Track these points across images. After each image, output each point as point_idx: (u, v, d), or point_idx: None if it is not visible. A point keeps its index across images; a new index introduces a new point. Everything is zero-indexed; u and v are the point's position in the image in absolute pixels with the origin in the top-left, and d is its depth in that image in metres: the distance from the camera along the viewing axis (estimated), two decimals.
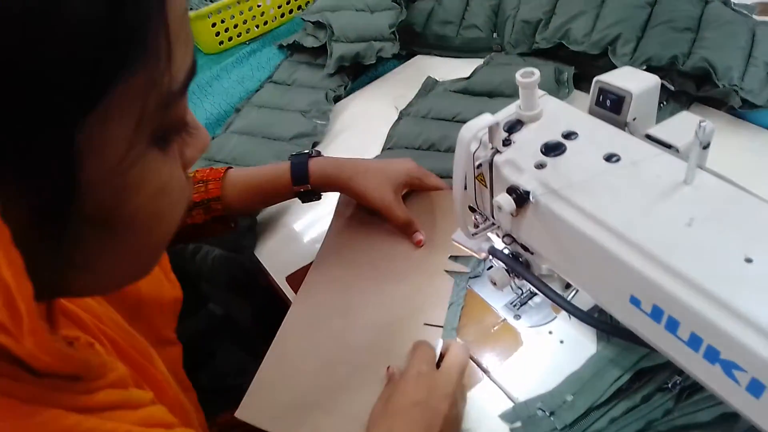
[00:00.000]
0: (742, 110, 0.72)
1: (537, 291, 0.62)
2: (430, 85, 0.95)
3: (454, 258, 0.67)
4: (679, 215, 0.37)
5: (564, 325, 0.61)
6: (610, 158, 0.42)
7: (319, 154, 0.74)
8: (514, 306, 0.64)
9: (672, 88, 0.78)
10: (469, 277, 0.66)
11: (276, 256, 0.78)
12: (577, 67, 0.86)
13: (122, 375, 0.39)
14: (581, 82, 0.86)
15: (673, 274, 0.35)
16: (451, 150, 0.80)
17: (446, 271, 0.67)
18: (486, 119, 0.42)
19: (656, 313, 0.37)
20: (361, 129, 0.93)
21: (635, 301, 0.38)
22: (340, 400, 0.58)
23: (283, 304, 0.73)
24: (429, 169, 0.77)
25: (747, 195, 0.38)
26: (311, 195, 0.73)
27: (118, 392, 0.38)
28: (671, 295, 0.35)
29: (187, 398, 0.55)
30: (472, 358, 0.61)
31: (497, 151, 0.45)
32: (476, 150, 0.47)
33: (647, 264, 0.36)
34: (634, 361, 0.54)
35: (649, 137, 0.43)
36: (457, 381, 0.54)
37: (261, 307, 0.84)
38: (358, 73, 1.04)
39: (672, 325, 0.36)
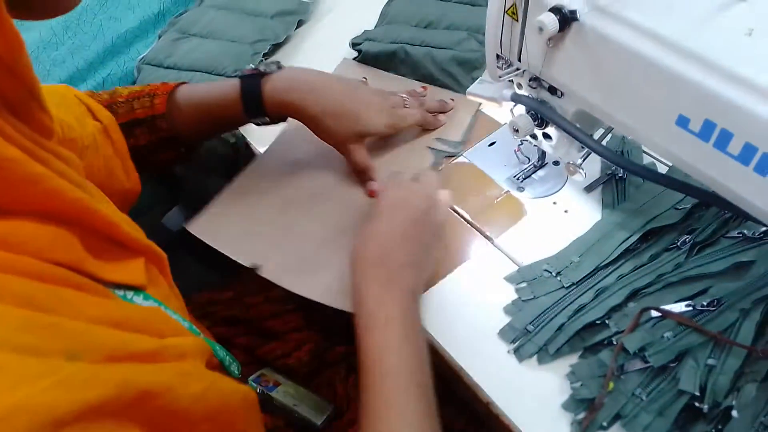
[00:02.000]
0: None
1: (542, 160, 0.60)
2: None
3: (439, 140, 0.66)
4: (738, 27, 0.35)
5: (568, 195, 0.60)
6: None
7: (278, 66, 0.61)
8: (517, 179, 0.62)
9: None
10: (447, 156, 0.66)
11: (264, 131, 0.73)
12: None
13: (77, 161, 0.35)
14: None
15: (733, 81, 0.33)
16: (451, 28, 0.76)
17: (429, 148, 0.66)
18: None
19: (706, 130, 0.36)
20: (350, 8, 0.87)
21: (683, 122, 0.37)
22: (291, 239, 0.60)
23: None
24: (430, 45, 0.73)
25: None
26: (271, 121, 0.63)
27: (70, 169, 0.33)
28: (729, 102, 0.33)
29: None
30: (475, 227, 0.59)
31: None
32: None
33: (705, 74, 0.35)
34: (642, 224, 0.54)
35: None
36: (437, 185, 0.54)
37: None
38: None
39: (723, 140, 0.35)
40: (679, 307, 0.46)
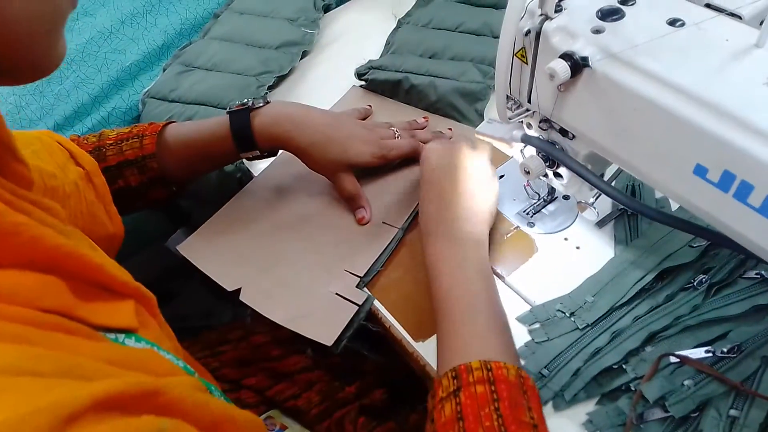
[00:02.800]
0: None
1: (551, 195, 0.60)
2: None
3: None
4: (755, 75, 0.35)
5: (580, 231, 0.59)
6: (673, 23, 0.39)
7: (265, 101, 0.62)
8: (527, 214, 0.61)
9: None
10: None
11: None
12: None
13: (59, 210, 0.35)
14: None
15: (752, 132, 0.33)
16: (456, 58, 0.76)
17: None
18: None
19: (725, 181, 0.35)
20: (354, 38, 0.87)
21: (701, 171, 0.36)
22: (276, 264, 0.61)
23: None
24: (434, 75, 0.72)
25: None
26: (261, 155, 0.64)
27: (51, 218, 0.33)
28: (749, 154, 0.33)
29: None
30: None
31: (547, 18, 0.41)
32: (521, 18, 0.42)
33: (722, 124, 0.34)
34: (657, 262, 0.53)
35: (709, 6, 0.40)
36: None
37: None
38: None
39: (743, 192, 0.34)
40: (698, 353, 0.45)
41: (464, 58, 0.75)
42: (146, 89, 0.83)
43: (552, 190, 0.61)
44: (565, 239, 0.59)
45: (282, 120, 0.61)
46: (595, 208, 0.51)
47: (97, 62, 0.85)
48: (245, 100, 0.62)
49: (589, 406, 0.47)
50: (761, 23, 0.36)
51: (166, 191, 0.64)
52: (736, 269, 0.50)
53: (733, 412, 0.41)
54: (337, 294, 0.57)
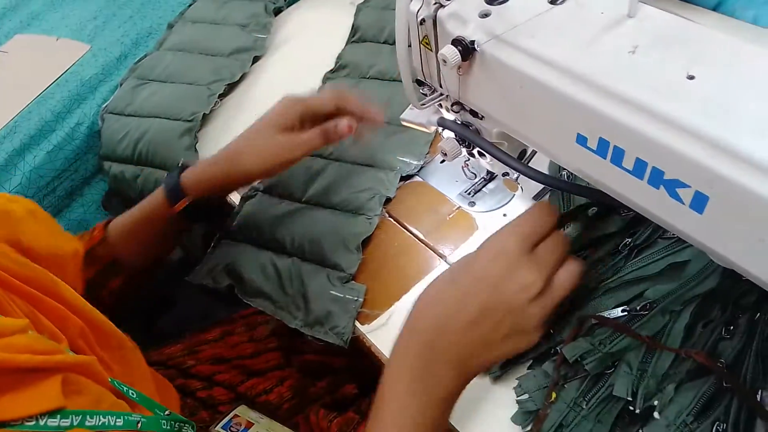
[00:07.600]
0: None
1: (491, 174, 0.62)
2: None
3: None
4: (622, 45, 0.36)
5: (518, 206, 0.62)
6: (554, 1, 0.40)
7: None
8: (469, 194, 0.64)
9: None
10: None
11: None
12: None
13: None
14: None
15: (618, 100, 0.35)
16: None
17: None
18: None
19: (602, 147, 0.37)
20: (309, 38, 0.89)
21: (582, 140, 0.38)
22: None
23: None
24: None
25: (689, 22, 0.37)
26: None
27: None
28: (615, 120, 0.35)
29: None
30: (428, 246, 0.61)
31: (441, 5, 0.43)
32: (419, 8, 0.44)
33: (592, 95, 0.36)
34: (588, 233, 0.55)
35: None
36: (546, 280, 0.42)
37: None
38: None
39: (617, 157, 0.36)
40: (616, 313, 0.47)
41: None
42: (104, 105, 0.85)
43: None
44: (504, 215, 0.61)
45: (206, 160, 0.61)
46: (518, 183, 0.53)
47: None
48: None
49: (522, 370, 0.50)
50: None
51: (122, 278, 0.62)
52: (656, 231, 0.52)
53: (642, 365, 0.43)
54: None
